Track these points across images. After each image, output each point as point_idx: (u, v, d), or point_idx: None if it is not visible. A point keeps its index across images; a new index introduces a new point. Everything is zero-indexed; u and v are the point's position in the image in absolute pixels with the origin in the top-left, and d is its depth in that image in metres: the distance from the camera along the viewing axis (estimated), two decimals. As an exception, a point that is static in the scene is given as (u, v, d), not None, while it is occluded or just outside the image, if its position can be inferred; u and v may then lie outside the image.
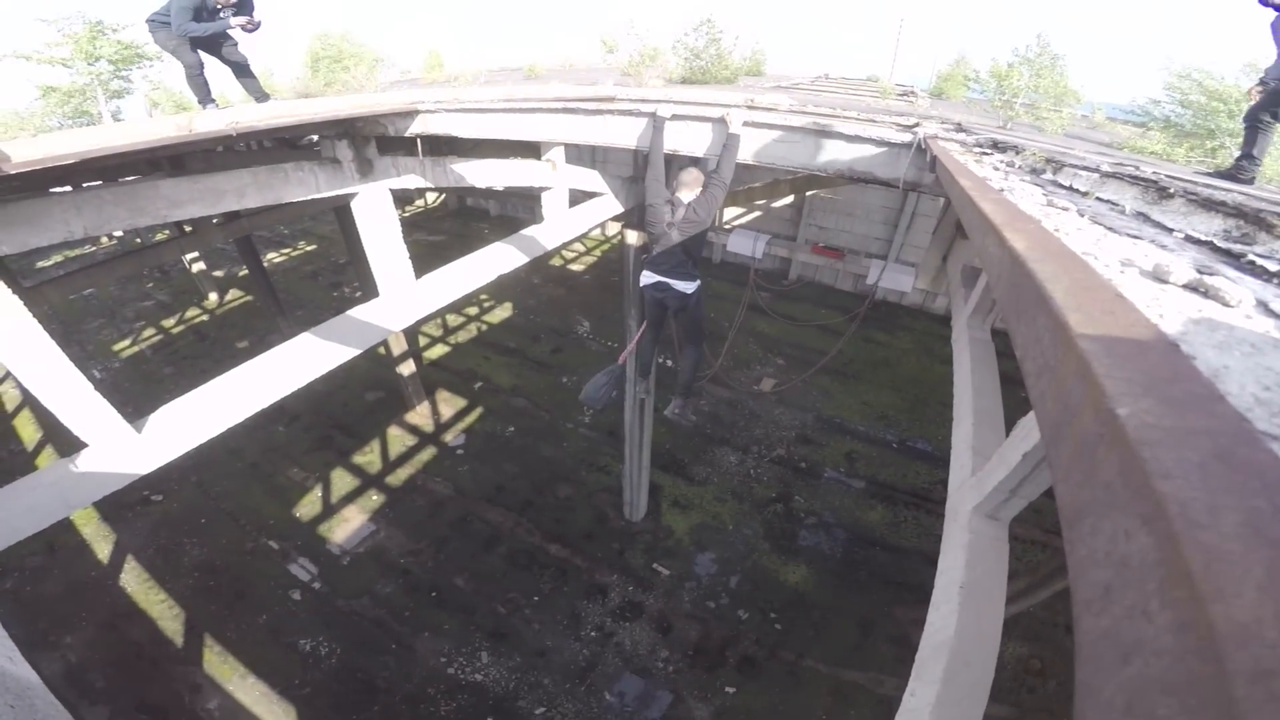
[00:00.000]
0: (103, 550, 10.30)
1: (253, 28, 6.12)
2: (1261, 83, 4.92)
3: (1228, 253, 1.05)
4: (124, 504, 11.08)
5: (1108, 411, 0.39)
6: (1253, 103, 4.97)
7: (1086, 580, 0.37)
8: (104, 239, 23.98)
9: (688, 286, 4.76)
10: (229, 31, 6.08)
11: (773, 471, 12.04)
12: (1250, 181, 4.67)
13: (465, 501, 11.37)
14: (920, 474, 12.02)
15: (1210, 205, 1.45)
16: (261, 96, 6.55)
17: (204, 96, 6.35)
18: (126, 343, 16.89)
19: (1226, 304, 0.71)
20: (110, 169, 6.76)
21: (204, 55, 6.23)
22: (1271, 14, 4.63)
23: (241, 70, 6.49)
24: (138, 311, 18.68)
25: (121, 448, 3.81)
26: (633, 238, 7.74)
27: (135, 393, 14.37)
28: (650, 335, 5.69)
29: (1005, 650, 8.40)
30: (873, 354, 16.15)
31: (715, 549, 10.39)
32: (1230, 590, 0.24)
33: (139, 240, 21.51)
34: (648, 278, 4.87)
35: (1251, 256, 0.99)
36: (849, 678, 8.51)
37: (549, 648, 8.89)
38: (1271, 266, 0.93)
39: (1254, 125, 4.85)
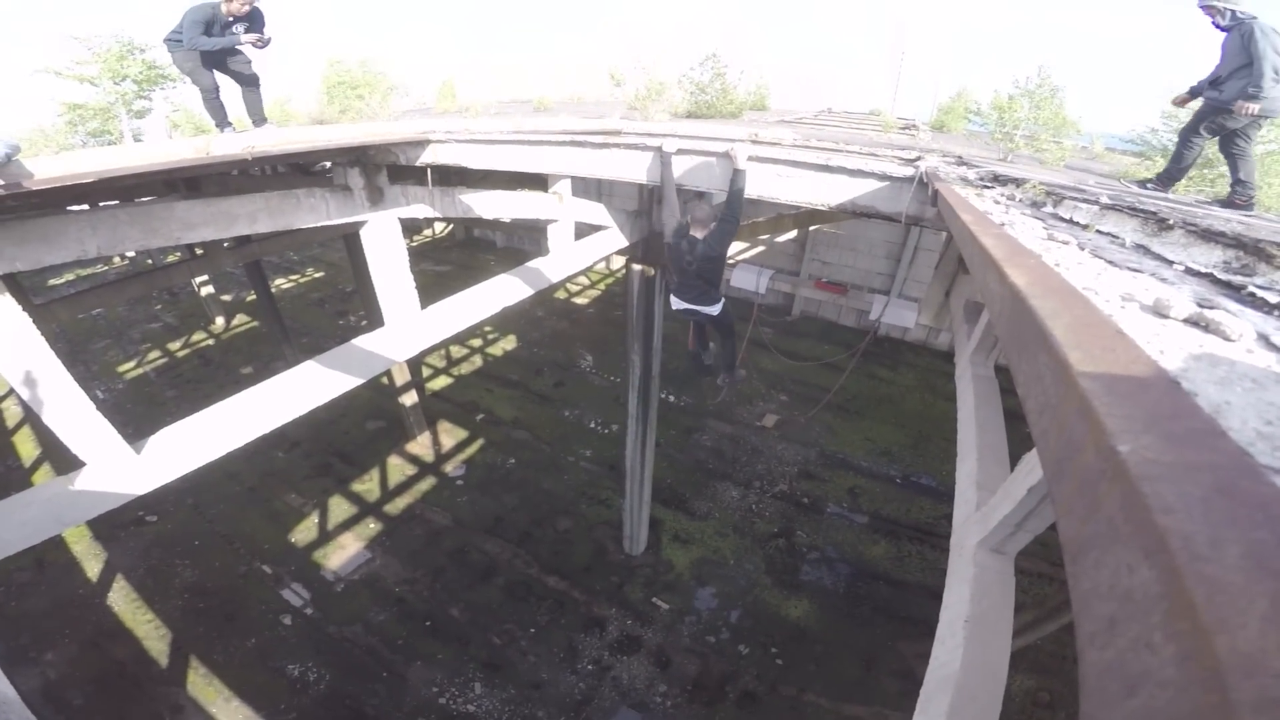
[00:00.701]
0: (92, 568, 10.21)
1: (263, 44, 6.23)
2: (1191, 91, 4.95)
3: (1228, 285, 1.05)
4: (117, 523, 11.02)
5: (1109, 449, 0.39)
6: (1189, 116, 4.99)
7: (1090, 614, 0.37)
8: (116, 259, 24.24)
9: (714, 309, 5.10)
10: (240, 48, 6.21)
11: (775, 506, 11.92)
12: (1250, 207, 4.62)
13: (463, 532, 11.26)
14: (924, 509, 11.89)
15: (1209, 236, 1.45)
16: (259, 119, 6.64)
17: (221, 120, 6.45)
18: (131, 364, 16.97)
19: (1227, 338, 0.71)
20: (127, 189, 6.87)
21: (220, 76, 6.35)
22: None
23: (250, 85, 6.59)
24: (144, 333, 18.80)
25: (119, 468, 3.80)
26: (637, 271, 7.80)
27: (137, 414, 14.38)
28: (695, 329, 6.38)
29: (1013, 683, 8.24)
30: (876, 390, 16.13)
31: (716, 584, 10.24)
32: (1234, 621, 0.24)
33: (150, 261, 21.72)
34: (676, 303, 5.19)
35: (1252, 288, 1.00)
36: (852, 713, 8.31)
37: (544, 680, 8.70)
38: (1272, 298, 0.93)
39: (1186, 143, 4.86)
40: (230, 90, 6.57)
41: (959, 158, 4.23)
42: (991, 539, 3.14)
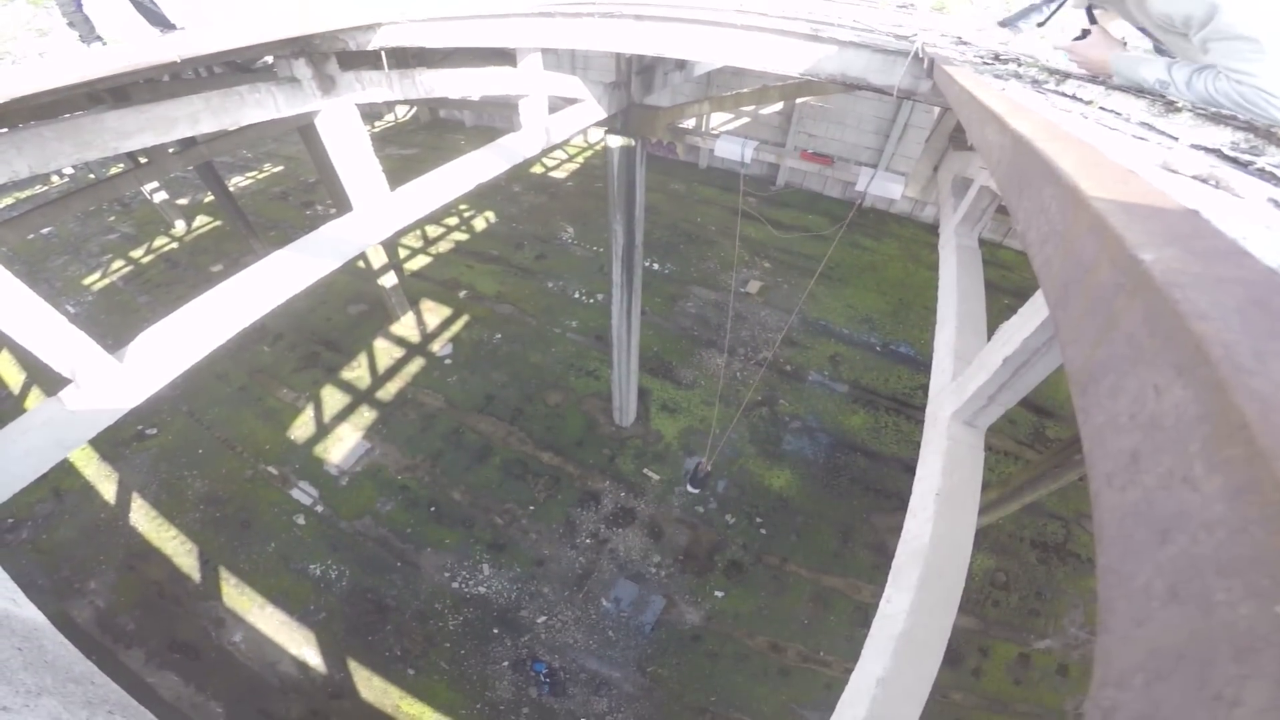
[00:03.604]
0: (108, 491, 10.39)
1: None
2: None
3: (1235, 160, 1.02)
4: (120, 441, 11.11)
5: (1130, 259, 0.35)
6: None
7: (1106, 450, 0.34)
8: (54, 177, 22.87)
9: None
10: None
11: (758, 374, 12.20)
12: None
13: (456, 413, 11.50)
14: (901, 379, 12.24)
15: (1219, 119, 1.41)
16: (165, 26, 5.95)
17: (87, 33, 5.72)
18: (96, 276, 16.39)
19: (1236, 195, 0.70)
20: (47, 106, 6.31)
21: None
22: None
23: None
24: (103, 245, 18.00)
25: (107, 380, 3.75)
26: (617, 142, 7.46)
27: (113, 324, 14.10)
28: None
29: (973, 562, 8.87)
30: (859, 258, 16.09)
31: (703, 453, 10.65)
32: None
33: (92, 175, 20.47)
34: None
35: (1261, 165, 0.97)
36: (829, 583, 8.97)
37: (546, 557, 9.25)
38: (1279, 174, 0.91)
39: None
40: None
41: (958, 37, 3.95)
42: (965, 411, 3.23)
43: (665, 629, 8.53)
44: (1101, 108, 1.69)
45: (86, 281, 16.17)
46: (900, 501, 9.61)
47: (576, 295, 14.44)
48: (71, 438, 3.66)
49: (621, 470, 10.43)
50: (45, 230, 18.60)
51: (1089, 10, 2.21)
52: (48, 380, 12.28)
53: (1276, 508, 0.20)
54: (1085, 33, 2.17)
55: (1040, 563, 9.26)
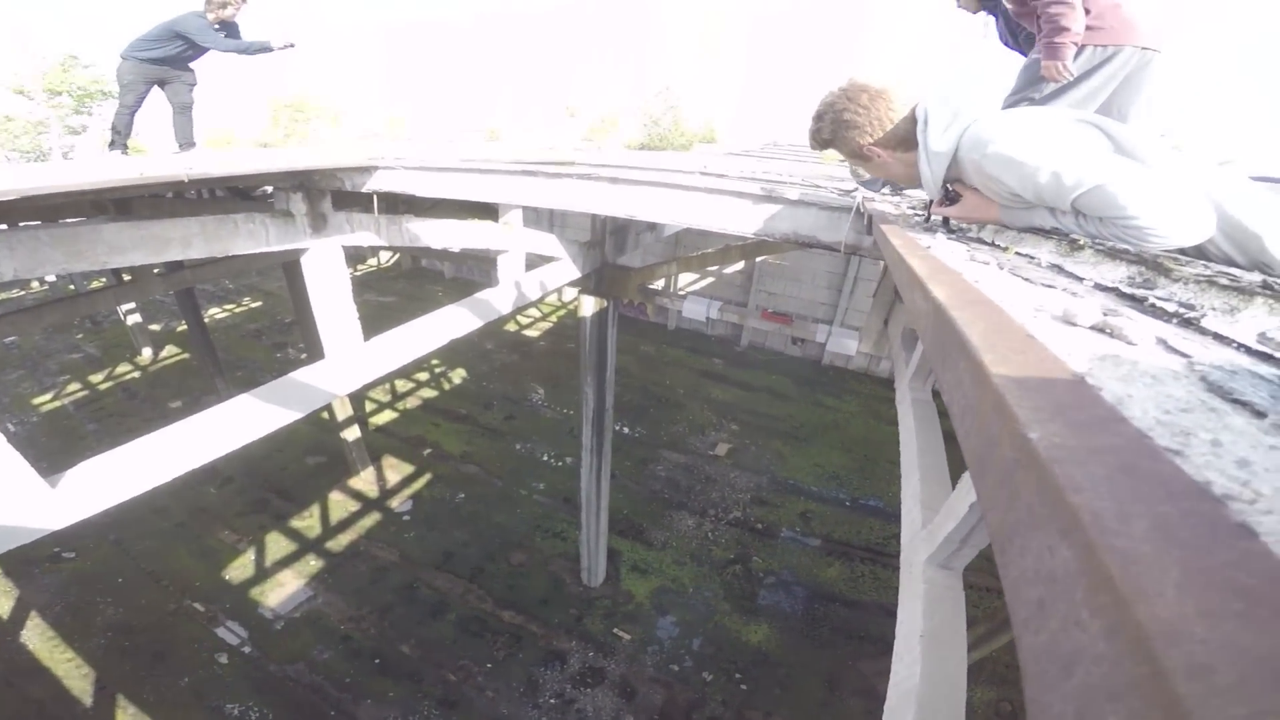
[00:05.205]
0: (2, 606, 9.52)
1: (292, 45, 6.12)
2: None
3: (1131, 297, 1.12)
4: (31, 560, 10.31)
5: (1021, 437, 0.42)
6: None
7: (1021, 599, 0.39)
8: (34, 283, 22.86)
9: None
10: (192, 68, 6.02)
11: (730, 533, 11.97)
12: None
13: (411, 568, 10.87)
14: (873, 529, 12.14)
15: (1115, 255, 1.56)
16: (188, 144, 6.40)
17: (123, 138, 6.13)
18: (48, 397, 15.90)
19: (1130, 342, 0.76)
20: (51, 209, 6.50)
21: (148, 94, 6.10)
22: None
23: (185, 110, 6.33)
24: (63, 364, 17.67)
25: (31, 501, 3.51)
26: (590, 303, 7.76)
27: (53, 448, 13.47)
28: None
29: (974, 695, 8.48)
30: (822, 417, 16.54)
31: (676, 612, 10.16)
32: (1151, 590, 0.26)
33: (72, 287, 20.56)
34: None
35: (1153, 300, 1.07)
36: (818, 734, 8.31)
37: (504, 715, 8.41)
38: (1169, 308, 1.00)
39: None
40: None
41: (894, 187, 4.40)
42: (938, 555, 3.21)
43: (634, 803, 7.62)
44: (1017, 252, 1.86)
45: (36, 401, 15.64)
46: (885, 646, 9.12)
47: (545, 458, 14.33)
48: (-26, 549, 3.35)
49: (590, 630, 9.81)
50: (9, 339, 18.23)
51: (946, 186, 2.38)
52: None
53: (1138, 643, 0.24)
54: (949, 191, 2.32)
55: (1046, 685, 8.77)
